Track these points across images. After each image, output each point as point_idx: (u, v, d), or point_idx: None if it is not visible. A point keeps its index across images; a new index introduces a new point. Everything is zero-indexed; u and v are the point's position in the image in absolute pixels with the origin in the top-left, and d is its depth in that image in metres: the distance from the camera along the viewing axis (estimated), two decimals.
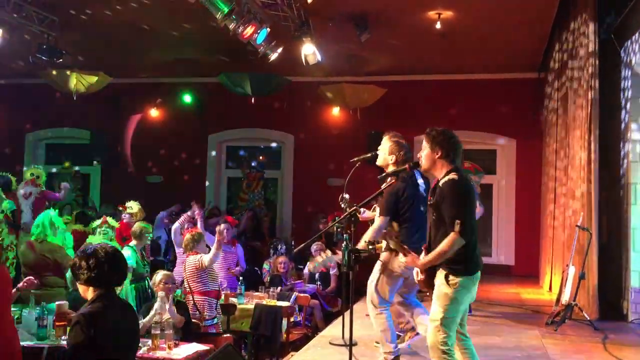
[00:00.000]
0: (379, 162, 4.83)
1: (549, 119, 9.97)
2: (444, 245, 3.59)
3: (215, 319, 6.00)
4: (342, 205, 5.17)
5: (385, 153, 4.77)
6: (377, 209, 4.66)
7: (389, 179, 4.43)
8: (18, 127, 12.50)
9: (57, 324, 4.43)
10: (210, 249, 6.14)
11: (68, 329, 3.63)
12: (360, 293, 5.28)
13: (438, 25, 8.01)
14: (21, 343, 4.20)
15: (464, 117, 10.66)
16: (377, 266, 4.58)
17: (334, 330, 6.01)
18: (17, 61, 9.97)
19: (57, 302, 4.43)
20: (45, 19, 8.31)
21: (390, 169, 4.64)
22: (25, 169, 8.47)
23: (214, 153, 12.15)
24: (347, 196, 5.16)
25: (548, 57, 9.95)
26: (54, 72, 9.73)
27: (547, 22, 8.44)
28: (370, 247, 4.00)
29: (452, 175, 3.69)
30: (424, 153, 3.84)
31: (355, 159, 5.23)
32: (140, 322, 4.73)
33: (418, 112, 10.71)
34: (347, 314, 5.18)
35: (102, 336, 3.07)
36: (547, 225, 9.71)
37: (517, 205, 11.09)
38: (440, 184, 3.74)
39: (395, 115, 10.58)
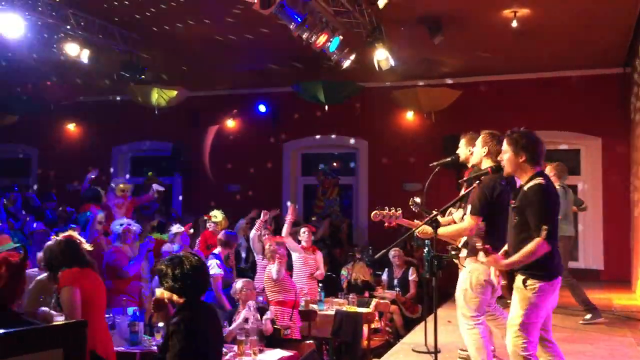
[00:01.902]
0: (473, 160, 4.66)
1: (637, 115, 9.48)
2: (529, 248, 3.49)
3: (287, 329, 6.05)
4: (413, 209, 5.10)
5: (479, 147, 4.59)
6: (456, 212, 4.56)
7: (474, 182, 4.29)
8: (104, 141, 13.12)
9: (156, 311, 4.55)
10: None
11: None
12: (443, 299, 5.20)
13: (514, 24, 7.79)
14: (115, 348, 4.41)
15: (544, 116, 10.29)
16: (462, 275, 4.41)
17: (416, 337, 5.94)
18: (103, 79, 10.48)
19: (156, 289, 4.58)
20: (128, 38, 8.71)
21: (485, 162, 4.45)
22: (112, 183, 8.84)
23: (288, 161, 12.29)
24: (417, 200, 5.08)
25: (633, 51, 9.47)
26: (137, 88, 10.16)
27: (631, 14, 8.04)
28: (453, 252, 3.94)
29: (539, 180, 3.59)
30: (506, 156, 3.73)
31: (435, 163, 5.15)
32: (226, 328, 4.87)
33: (495, 113, 10.41)
34: (429, 320, 5.12)
35: (195, 342, 3.17)
36: (638, 227, 9.22)
37: (604, 206, 10.58)
38: (526, 188, 3.63)
39: (471, 117, 10.34)
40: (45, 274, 4.27)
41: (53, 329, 2.55)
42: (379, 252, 4.80)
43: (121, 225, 6.33)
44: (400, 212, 4.76)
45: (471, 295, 4.29)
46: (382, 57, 7.73)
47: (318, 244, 8.87)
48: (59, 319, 3.74)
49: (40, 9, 7.34)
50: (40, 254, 4.73)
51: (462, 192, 4.37)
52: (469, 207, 4.26)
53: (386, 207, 4.70)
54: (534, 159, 3.67)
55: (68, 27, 7.75)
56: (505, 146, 3.74)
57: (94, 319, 3.99)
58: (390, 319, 7.41)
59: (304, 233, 7.42)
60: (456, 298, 4.47)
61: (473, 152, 4.65)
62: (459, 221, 4.50)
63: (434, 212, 4.19)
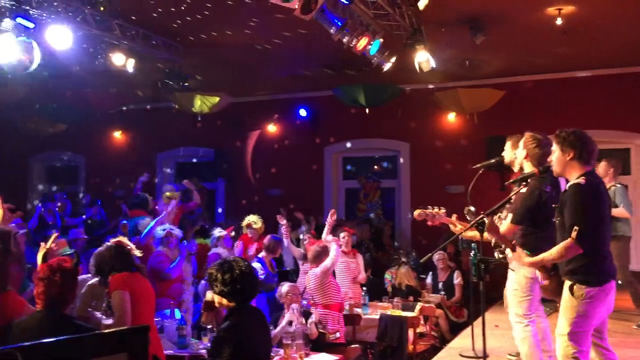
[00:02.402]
0: (517, 163, 4.60)
1: None
2: (557, 248, 3.42)
3: (338, 333, 6.05)
4: (469, 218, 5.04)
5: (519, 149, 4.51)
6: (505, 218, 4.47)
7: (519, 184, 4.22)
8: (149, 148, 13.40)
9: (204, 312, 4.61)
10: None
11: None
12: (488, 302, 5.12)
13: (559, 21, 7.63)
14: (164, 352, 4.49)
15: (591, 115, 10.02)
16: (511, 276, 4.35)
17: (462, 341, 5.86)
18: (147, 87, 10.70)
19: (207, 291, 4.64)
20: (171, 46, 8.87)
21: (526, 165, 4.37)
22: (163, 190, 9.03)
23: (329, 165, 12.30)
24: (473, 209, 5.00)
25: None
26: (180, 95, 10.34)
27: None
28: (500, 255, 3.88)
29: (579, 179, 3.50)
30: (555, 156, 3.66)
31: (479, 165, 5.07)
32: (271, 332, 4.89)
33: (540, 112, 10.24)
34: (476, 324, 5.05)
35: (244, 347, 3.21)
36: None
37: None
38: (567, 187, 3.56)
39: (515, 118, 10.17)
40: (97, 279, 4.37)
41: (118, 333, 2.62)
42: (424, 256, 4.76)
43: (163, 230, 6.44)
44: (443, 210, 4.73)
45: (521, 295, 4.23)
46: (423, 58, 7.66)
47: (360, 248, 8.86)
48: (107, 322, 3.83)
49: (86, 20, 7.54)
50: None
51: (511, 195, 4.29)
52: (509, 215, 4.22)
53: (429, 206, 4.66)
54: (582, 157, 3.58)
55: (114, 37, 7.94)
56: (554, 145, 3.67)
57: (144, 322, 4.07)
58: (436, 323, 7.33)
59: (343, 238, 7.42)
60: (507, 299, 4.41)
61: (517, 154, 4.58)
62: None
63: (481, 215, 4.13)
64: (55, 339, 2.20)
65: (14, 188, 13.85)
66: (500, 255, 3.94)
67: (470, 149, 10.41)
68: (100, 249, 4.32)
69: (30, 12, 6.74)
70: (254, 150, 12.60)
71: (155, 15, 7.71)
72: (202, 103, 10.39)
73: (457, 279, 8.10)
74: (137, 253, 4.33)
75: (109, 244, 4.28)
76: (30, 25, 6.61)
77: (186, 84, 9.16)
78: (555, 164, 3.67)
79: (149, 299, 4.29)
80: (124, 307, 4.04)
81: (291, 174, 12.24)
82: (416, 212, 4.74)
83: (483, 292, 4.04)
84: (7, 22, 6.59)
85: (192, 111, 10.52)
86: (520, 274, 4.19)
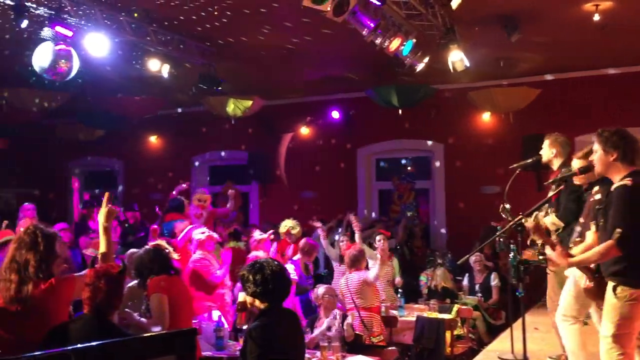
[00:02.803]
0: (544, 159, 4.53)
1: None
2: (597, 250, 3.36)
3: (381, 336, 6.02)
4: (504, 216, 4.97)
5: (546, 148, 4.45)
6: (545, 217, 4.40)
7: (558, 184, 4.15)
8: (183, 152, 13.57)
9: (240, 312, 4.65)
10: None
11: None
12: (527, 305, 5.04)
13: (596, 17, 7.48)
14: (202, 353, 4.53)
15: (630, 113, 9.78)
16: (555, 277, 4.26)
17: (501, 344, 5.77)
18: (181, 92, 10.84)
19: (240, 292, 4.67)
20: (205, 51, 8.97)
21: (555, 163, 4.31)
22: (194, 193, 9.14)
23: (362, 166, 12.28)
24: (508, 206, 4.94)
25: None
26: (214, 99, 10.45)
27: None
28: (540, 257, 3.80)
29: (625, 181, 3.42)
30: (596, 156, 3.58)
31: (515, 165, 5.00)
32: (308, 335, 4.91)
33: (578, 111, 10.04)
34: (515, 327, 4.97)
35: (274, 348, 3.21)
36: None
37: None
38: (612, 188, 3.48)
39: (552, 116, 10.00)
40: (136, 281, 4.44)
41: (166, 336, 2.67)
42: (461, 258, 4.70)
43: (202, 233, 6.50)
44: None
45: (570, 294, 4.15)
46: (456, 58, 7.58)
47: (395, 250, 8.81)
48: (156, 329, 3.87)
49: (122, 27, 7.68)
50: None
51: (549, 195, 4.22)
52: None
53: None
54: (626, 157, 3.50)
55: (149, 43, 8.06)
56: (595, 145, 3.59)
57: (182, 325, 4.12)
58: (473, 325, 7.25)
59: (379, 241, 7.39)
60: (548, 297, 4.34)
61: (556, 153, 4.52)
62: (550, 226, 4.35)
63: (520, 216, 4.07)
64: (106, 341, 2.24)
65: (55, 194, 14.22)
66: (540, 257, 3.87)
67: (506, 148, 10.25)
68: (139, 252, 4.39)
69: (69, 20, 6.90)
70: (287, 153, 12.65)
71: (188, 19, 7.81)
72: (235, 107, 10.46)
73: (495, 281, 7.99)
74: (175, 256, 4.38)
75: (148, 247, 4.35)
76: (69, 33, 6.77)
77: (219, 87, 9.24)
78: (597, 164, 3.59)
79: (187, 301, 4.34)
80: (162, 309, 4.09)
81: (324, 176, 12.24)
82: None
83: (523, 294, 3.98)
84: (47, 31, 6.77)
85: (226, 115, 10.61)
86: (572, 275, 4.10)
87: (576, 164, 4.26)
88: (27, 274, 3.44)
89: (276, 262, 3.56)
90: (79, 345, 2.21)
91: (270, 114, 12.07)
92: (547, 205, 4.36)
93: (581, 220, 4.12)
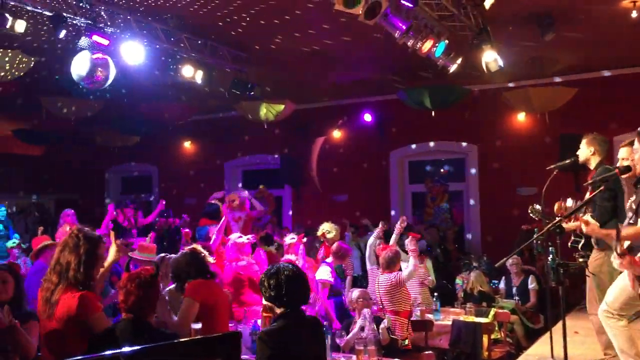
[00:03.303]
0: (581, 159, 4.45)
1: None
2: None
3: (406, 340, 5.96)
4: (534, 217, 4.89)
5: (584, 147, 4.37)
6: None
7: (598, 185, 4.05)
8: (217, 157, 13.72)
9: (264, 314, 4.68)
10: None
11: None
12: (567, 308, 4.93)
13: (634, 14, 7.31)
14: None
15: None
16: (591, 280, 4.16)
17: (540, 348, 5.66)
18: (215, 97, 10.95)
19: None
20: (237, 56, 9.05)
21: (592, 162, 4.22)
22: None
23: (391, 167, 12.21)
24: (538, 207, 4.86)
25: None
26: (246, 104, 10.53)
27: None
28: (581, 259, 3.73)
29: None
30: (638, 156, 3.50)
31: (553, 166, 4.91)
32: (343, 338, 4.90)
33: (616, 110, 9.83)
34: (554, 330, 4.88)
35: (284, 352, 3.19)
36: None
37: None
38: None
39: (590, 116, 9.81)
40: (174, 285, 4.50)
41: (212, 339, 2.70)
42: (496, 261, 4.63)
43: (239, 236, 6.53)
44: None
45: (620, 290, 4.05)
46: (490, 58, 7.48)
47: (429, 253, 8.73)
48: (196, 326, 3.89)
49: (157, 35, 7.80)
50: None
51: (588, 196, 4.13)
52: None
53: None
54: None
55: (182, 50, 8.18)
56: (636, 144, 3.51)
57: (219, 329, 4.15)
58: (511, 329, 7.12)
59: (410, 242, 7.34)
60: (587, 300, 4.23)
61: (593, 151, 4.44)
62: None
63: (558, 218, 3.99)
64: (153, 344, 2.28)
65: (93, 198, 14.52)
66: (581, 260, 3.79)
67: (542, 149, 10.10)
68: (176, 255, 4.44)
69: (105, 29, 7.04)
70: (320, 156, 12.67)
71: (221, 26, 7.89)
72: (267, 111, 10.54)
73: (532, 284, 7.85)
74: (211, 259, 4.42)
75: (185, 250, 4.40)
76: (105, 42, 6.91)
77: (252, 92, 9.32)
78: (638, 163, 3.50)
79: (223, 305, 4.37)
80: (187, 314, 4.12)
81: (357, 178, 12.23)
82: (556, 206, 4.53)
83: (563, 296, 3.90)
84: (84, 40, 6.91)
85: (258, 119, 10.69)
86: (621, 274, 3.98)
87: (623, 153, 4.18)
88: (66, 276, 3.52)
89: (291, 266, 3.50)
90: (126, 349, 2.25)
91: (302, 118, 12.13)
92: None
93: (629, 214, 4.02)
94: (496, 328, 6.61)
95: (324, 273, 6.48)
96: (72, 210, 9.13)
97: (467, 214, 11.61)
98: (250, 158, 13.65)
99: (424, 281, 7.34)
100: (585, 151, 4.75)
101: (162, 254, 5.50)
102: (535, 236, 5.03)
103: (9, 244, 8.91)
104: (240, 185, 13.77)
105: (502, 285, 8.22)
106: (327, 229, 7.58)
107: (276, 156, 12.95)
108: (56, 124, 11.45)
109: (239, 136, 13.06)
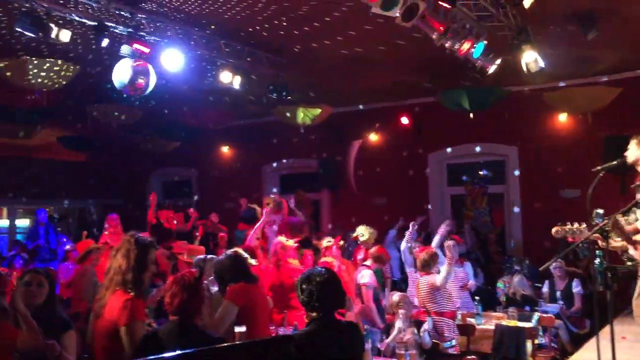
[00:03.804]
0: (629, 160, 4.32)
1: None
2: None
3: (454, 341, 5.91)
4: (596, 221, 4.76)
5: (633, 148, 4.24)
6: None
7: None
8: (255, 161, 13.83)
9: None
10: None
11: None
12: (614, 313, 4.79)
13: None
14: None
15: None
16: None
17: (586, 354, 5.54)
18: (252, 102, 11.04)
19: None
20: (274, 61, 9.12)
21: None
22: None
23: (428, 170, 12.09)
24: (600, 211, 4.72)
25: None
26: (283, 109, 10.59)
27: None
28: (630, 263, 3.62)
29: None
30: None
31: (599, 167, 4.78)
32: (384, 342, 4.87)
33: None
34: (602, 336, 4.75)
35: (310, 357, 3.16)
36: None
37: None
38: None
39: (634, 116, 9.53)
40: (217, 288, 4.54)
41: (264, 343, 2.71)
42: (539, 264, 4.55)
43: (287, 241, 6.55)
44: (584, 226, 4.44)
45: None
46: (530, 58, 7.36)
47: (469, 256, 8.62)
48: (241, 329, 3.91)
49: (195, 42, 7.92)
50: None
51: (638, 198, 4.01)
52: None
53: (568, 222, 4.40)
54: None
55: (221, 56, 8.27)
56: None
57: (259, 333, 4.17)
58: (555, 334, 6.97)
59: (448, 245, 7.25)
60: (636, 305, 4.11)
61: None
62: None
63: (605, 221, 3.89)
64: (205, 347, 2.30)
65: (136, 203, 14.79)
66: (629, 263, 3.68)
67: (586, 150, 9.85)
68: (219, 258, 4.48)
69: (146, 37, 7.18)
70: (357, 160, 12.65)
71: (257, 31, 7.96)
72: (304, 115, 10.57)
73: (577, 288, 7.67)
74: (253, 262, 4.45)
75: (228, 253, 4.44)
76: (146, 50, 7.04)
77: (289, 97, 9.36)
78: None
79: (265, 309, 4.39)
80: (224, 317, 4.15)
81: (395, 182, 12.16)
82: (554, 230, 4.49)
83: (611, 301, 3.80)
84: (125, 48, 7.06)
85: (295, 123, 10.73)
86: None
87: (632, 153, 4.07)
88: (117, 279, 3.59)
89: (324, 271, 3.49)
90: (178, 352, 2.28)
91: (339, 122, 12.12)
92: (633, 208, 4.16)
93: None
94: (540, 333, 6.48)
95: (366, 276, 6.45)
96: (116, 215, 9.33)
97: (507, 216, 11.41)
98: (287, 162, 13.71)
99: (465, 285, 7.26)
100: (635, 152, 4.62)
101: (204, 256, 5.56)
102: (581, 239, 4.91)
103: (67, 247, 9.23)
104: (274, 190, 13.83)
105: (545, 288, 8.05)
106: (360, 231, 7.56)
107: (313, 160, 12.97)
108: (99, 131, 11.71)
109: (276, 140, 13.14)
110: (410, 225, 7.53)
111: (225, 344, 2.66)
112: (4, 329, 3.50)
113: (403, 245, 7.46)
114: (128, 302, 3.52)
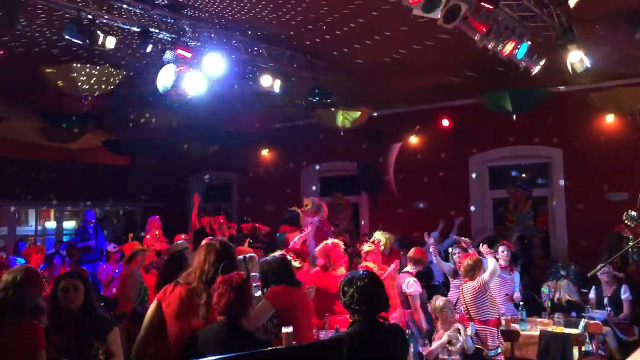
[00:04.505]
0: None
1: None
2: None
3: (499, 349, 5.80)
4: (629, 224, 4.63)
5: None
6: None
7: None
8: (294, 164, 13.88)
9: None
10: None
11: None
12: None
13: None
14: None
15: None
16: None
17: None
18: (292, 105, 11.10)
19: None
20: (314, 65, 9.14)
21: None
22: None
23: (474, 175, 11.92)
24: (633, 213, 4.60)
25: None
26: (323, 112, 10.60)
27: None
28: None
29: None
30: None
31: None
32: (427, 347, 4.82)
33: None
34: None
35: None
36: None
37: None
38: None
39: None
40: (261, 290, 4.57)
41: (315, 346, 2.73)
42: (584, 269, 4.44)
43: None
44: None
45: None
46: (576, 59, 7.20)
47: (515, 261, 8.46)
48: (287, 330, 3.93)
49: (237, 46, 8.00)
50: None
51: None
52: None
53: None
54: None
55: (261, 60, 8.34)
56: None
57: (301, 336, 4.17)
58: (603, 341, 6.79)
59: (502, 252, 7.15)
60: None
61: None
62: None
63: None
64: (256, 350, 2.32)
65: (176, 206, 15.04)
66: None
67: (633, 152, 9.59)
68: (265, 259, 4.52)
69: (188, 43, 7.28)
70: (397, 163, 12.57)
71: (297, 34, 7.99)
72: (344, 118, 10.57)
73: (626, 294, 7.45)
74: (296, 264, 4.46)
75: (274, 255, 4.47)
76: (189, 55, 7.15)
77: (329, 100, 9.37)
78: None
79: (307, 312, 4.40)
80: (260, 315, 4.18)
81: (435, 185, 12.04)
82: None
83: None
84: (169, 54, 7.18)
85: (335, 126, 10.73)
86: None
87: None
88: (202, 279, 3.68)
89: (366, 274, 3.46)
90: (228, 355, 2.30)
91: (378, 124, 12.08)
92: None
93: None
94: (587, 340, 6.32)
95: (412, 285, 6.38)
96: (158, 217, 9.50)
97: (552, 220, 11.16)
98: (326, 165, 13.72)
99: (513, 295, 7.11)
100: None
101: (248, 255, 5.59)
102: (631, 244, 4.77)
103: (109, 248, 9.45)
104: (313, 188, 13.85)
105: (592, 294, 7.85)
106: (377, 237, 7.49)
107: (352, 163, 12.95)
108: (142, 135, 11.94)
109: (315, 143, 13.17)
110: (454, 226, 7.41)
111: (282, 347, 2.67)
112: (35, 329, 3.56)
113: (434, 257, 7.32)
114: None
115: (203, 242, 3.79)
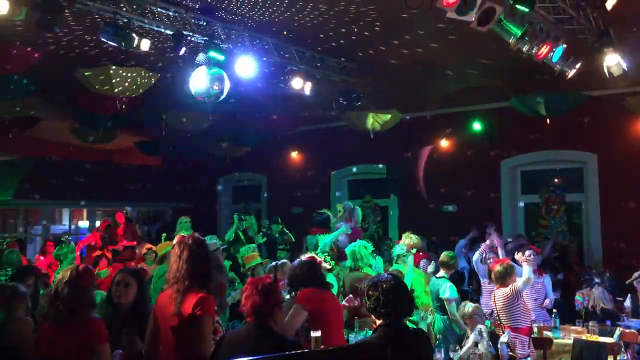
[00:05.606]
0: None
1: None
2: None
3: (529, 358, 5.70)
4: None
5: None
6: None
7: None
8: (323, 166, 13.88)
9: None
10: None
11: None
12: None
13: None
14: None
15: None
16: None
17: None
18: (322, 108, 11.10)
19: None
20: (344, 67, 9.13)
21: None
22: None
23: (506, 179, 11.75)
24: None
25: None
26: (353, 114, 10.58)
27: None
28: None
29: None
30: None
31: None
32: (456, 353, 4.77)
33: None
34: None
35: None
36: None
37: None
38: None
39: None
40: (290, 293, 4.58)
41: (358, 349, 2.72)
42: (619, 276, 4.34)
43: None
44: None
45: None
46: (612, 62, 7.06)
47: (545, 267, 8.32)
48: (316, 334, 3.93)
49: (268, 49, 8.04)
50: None
51: None
52: None
53: None
54: None
55: (292, 63, 8.37)
56: None
57: (331, 338, 4.16)
58: (638, 351, 6.63)
59: (529, 256, 7.03)
60: None
61: None
62: None
63: None
64: (294, 352, 2.32)
65: (206, 207, 15.17)
66: None
67: None
68: (294, 264, 4.53)
69: (221, 45, 7.34)
70: (427, 166, 12.47)
71: (328, 37, 7.99)
72: (374, 121, 10.52)
73: None
74: (327, 266, 4.46)
75: (302, 259, 4.47)
76: (221, 57, 7.21)
77: (359, 103, 9.35)
78: None
79: (338, 314, 4.39)
80: (293, 321, 4.17)
81: (466, 189, 11.92)
82: None
83: None
84: (201, 56, 7.26)
85: (365, 129, 10.69)
86: None
87: None
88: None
89: (391, 278, 3.42)
90: (263, 356, 2.31)
91: (409, 127, 12.00)
92: None
93: None
94: (622, 349, 6.17)
95: (448, 290, 6.32)
96: (188, 218, 9.58)
97: (586, 226, 10.94)
98: (356, 168, 13.69)
99: (541, 304, 6.99)
100: None
101: (280, 261, 5.62)
102: None
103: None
104: (338, 194, 13.81)
105: (627, 303, 7.67)
106: (408, 240, 7.44)
107: (382, 166, 12.89)
108: (174, 136, 12.07)
109: (345, 146, 13.14)
110: (489, 239, 7.32)
111: (330, 347, 2.67)
112: (95, 322, 3.58)
113: (475, 256, 7.27)
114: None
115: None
